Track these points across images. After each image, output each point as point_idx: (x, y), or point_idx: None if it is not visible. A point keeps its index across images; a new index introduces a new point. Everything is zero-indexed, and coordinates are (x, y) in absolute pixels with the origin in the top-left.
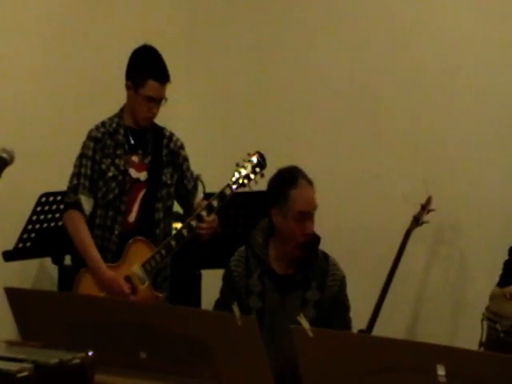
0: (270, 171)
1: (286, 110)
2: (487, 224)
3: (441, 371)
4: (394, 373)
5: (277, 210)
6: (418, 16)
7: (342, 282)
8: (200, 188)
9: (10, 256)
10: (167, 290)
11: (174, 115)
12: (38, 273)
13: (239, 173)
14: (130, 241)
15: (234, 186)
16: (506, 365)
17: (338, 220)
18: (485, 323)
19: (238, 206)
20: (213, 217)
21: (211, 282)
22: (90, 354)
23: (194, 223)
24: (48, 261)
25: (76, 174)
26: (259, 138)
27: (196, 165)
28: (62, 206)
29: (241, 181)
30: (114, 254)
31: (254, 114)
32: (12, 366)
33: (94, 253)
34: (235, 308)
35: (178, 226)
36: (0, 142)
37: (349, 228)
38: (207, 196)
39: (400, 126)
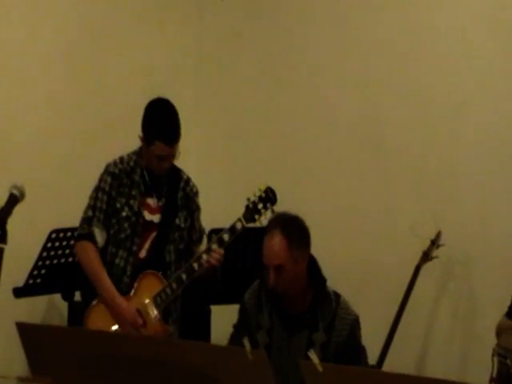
0: (279, 205)
1: (293, 143)
2: (497, 258)
3: None
4: None
5: None
6: (426, 50)
7: (353, 325)
8: (204, 242)
9: (20, 292)
10: (178, 323)
11: (183, 149)
12: (47, 309)
13: (250, 207)
14: (141, 274)
15: (245, 221)
16: None
17: (347, 255)
18: (495, 359)
19: (247, 241)
20: (222, 250)
21: (221, 318)
22: None
23: (205, 257)
24: (57, 297)
25: (91, 207)
26: (267, 172)
27: (204, 199)
28: (72, 242)
29: (251, 215)
30: (124, 293)
31: (261, 147)
32: None
33: (107, 283)
34: (246, 342)
35: None
36: (11, 178)
37: (358, 263)
38: (216, 231)
39: (408, 161)
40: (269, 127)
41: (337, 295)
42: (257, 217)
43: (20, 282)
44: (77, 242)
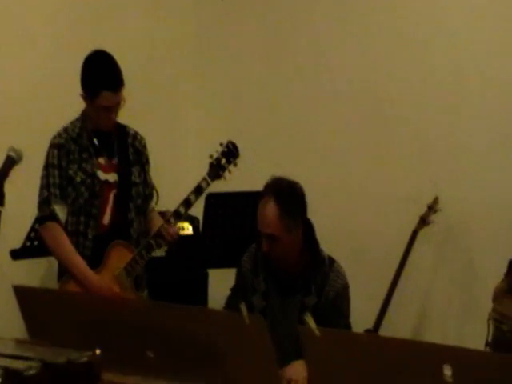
0: (280, 173)
1: (294, 113)
2: (494, 224)
3: (447, 371)
4: (400, 373)
5: None
6: (427, 18)
7: (340, 289)
8: (154, 198)
9: (17, 254)
10: (146, 288)
11: (183, 126)
12: (45, 271)
13: (214, 164)
14: (109, 246)
15: (210, 179)
16: None
17: (344, 220)
18: (491, 323)
19: (245, 205)
20: (175, 226)
21: (218, 282)
22: (98, 352)
23: (172, 220)
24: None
25: (45, 186)
26: (267, 142)
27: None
28: None
29: (216, 172)
30: (89, 258)
31: (262, 118)
32: (20, 365)
33: (78, 260)
34: (243, 307)
35: (185, 225)
36: (9, 141)
37: (355, 228)
38: None
39: (407, 127)
40: (269, 98)
41: (331, 260)
42: (221, 173)
43: (17, 245)
44: (40, 226)
